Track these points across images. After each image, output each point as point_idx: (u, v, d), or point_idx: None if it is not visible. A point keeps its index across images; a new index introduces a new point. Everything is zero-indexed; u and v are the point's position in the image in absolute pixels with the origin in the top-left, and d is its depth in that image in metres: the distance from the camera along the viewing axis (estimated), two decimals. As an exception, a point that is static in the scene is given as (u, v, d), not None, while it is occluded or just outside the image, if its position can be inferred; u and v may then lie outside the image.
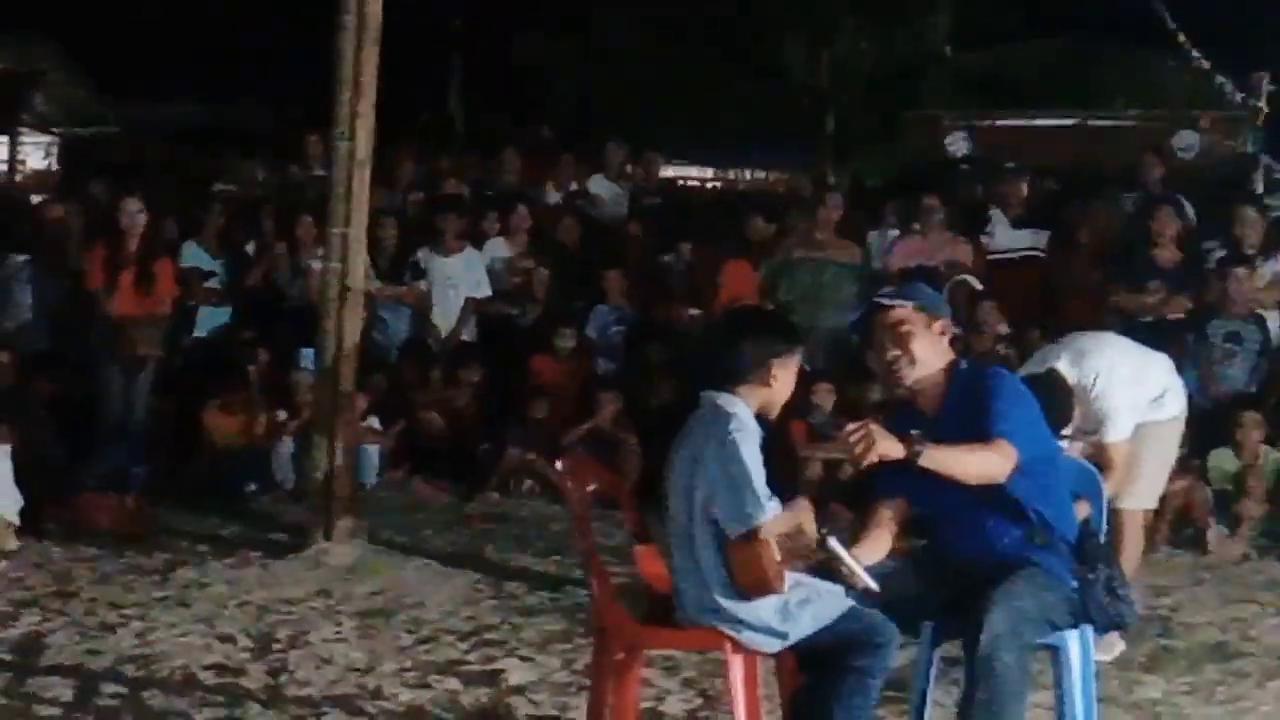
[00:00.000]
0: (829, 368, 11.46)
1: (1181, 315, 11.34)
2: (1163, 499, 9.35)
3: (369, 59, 9.12)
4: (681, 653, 6.84)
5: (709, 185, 23.76)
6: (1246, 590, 8.97)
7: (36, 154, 25.22)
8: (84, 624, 7.74)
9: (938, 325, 5.38)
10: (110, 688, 6.70)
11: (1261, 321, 11.24)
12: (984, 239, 12.63)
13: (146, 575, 8.81)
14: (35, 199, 16.16)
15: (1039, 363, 7.56)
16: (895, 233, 13.00)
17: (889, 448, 4.95)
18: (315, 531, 9.18)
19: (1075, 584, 5.24)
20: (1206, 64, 20.84)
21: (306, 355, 10.76)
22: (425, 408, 12.06)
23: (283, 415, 11.48)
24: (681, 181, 21.33)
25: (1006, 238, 12.62)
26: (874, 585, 5.03)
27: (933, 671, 5.46)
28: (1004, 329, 11.51)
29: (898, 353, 5.35)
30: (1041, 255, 12.55)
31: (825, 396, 11.12)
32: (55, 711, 6.43)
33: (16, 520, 9.36)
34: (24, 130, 24.82)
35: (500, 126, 20.55)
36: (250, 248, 13.30)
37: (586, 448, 11.04)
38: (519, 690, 6.78)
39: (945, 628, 5.34)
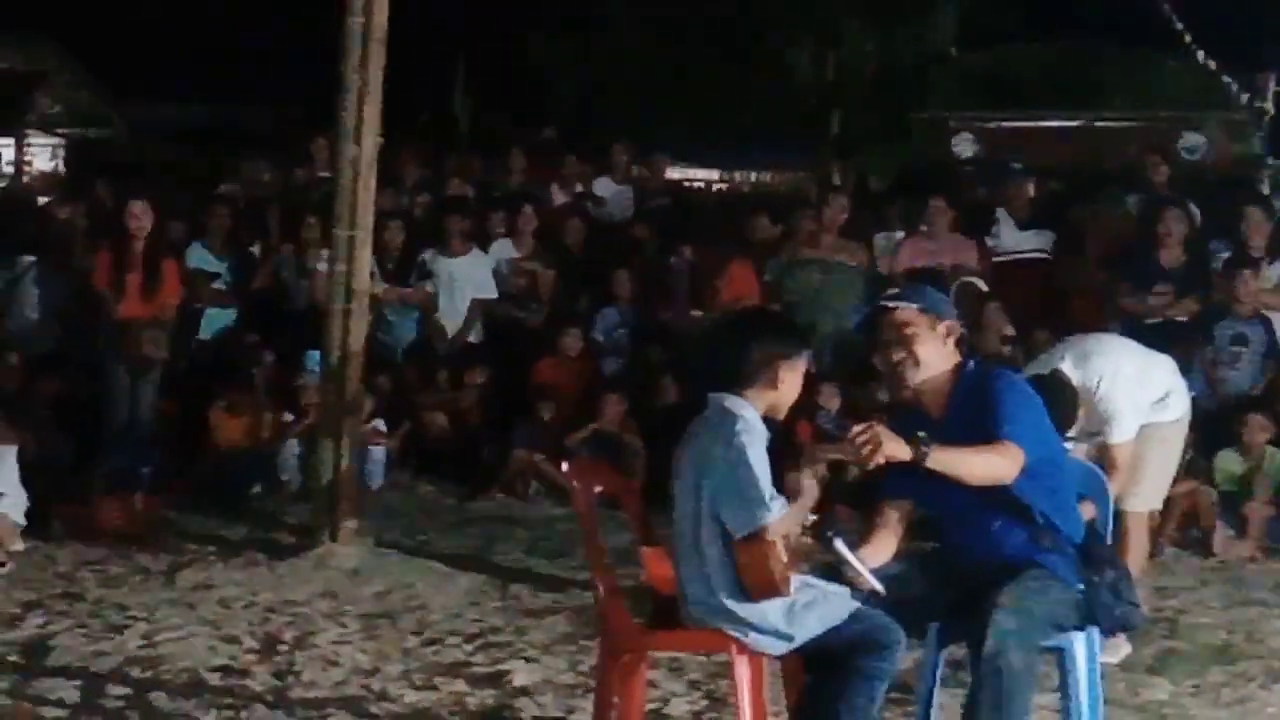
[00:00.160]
0: (835, 369, 11.45)
1: (1187, 317, 11.33)
2: (1168, 501, 9.38)
3: (374, 61, 9.12)
4: (687, 655, 6.84)
5: (714, 186, 23.78)
6: (1252, 592, 8.97)
7: (43, 155, 25.28)
8: (90, 625, 7.75)
9: (942, 327, 5.38)
10: (116, 689, 6.70)
11: (1268, 323, 11.23)
12: (989, 240, 12.63)
13: (152, 577, 8.82)
14: (41, 200, 16.17)
15: (1043, 364, 7.57)
16: (900, 234, 13.01)
17: (895, 449, 4.95)
18: (321, 533, 9.18)
19: (1081, 586, 5.23)
20: (1212, 65, 20.82)
21: (312, 357, 10.75)
22: (431, 409, 12.07)
23: (288, 417, 11.49)
24: (687, 183, 21.33)
25: (1012, 239, 12.62)
26: (880, 587, 5.04)
27: (938, 673, 5.46)
28: (1009, 330, 11.51)
29: (902, 354, 5.34)
30: (1047, 257, 12.56)
31: (831, 398, 11.12)
32: (61, 713, 6.43)
33: (23, 521, 9.37)
34: (30, 132, 24.85)
35: (504, 127, 20.58)
36: (256, 249, 13.30)
37: (592, 449, 11.05)
38: (525, 692, 6.78)
39: (951, 629, 5.34)
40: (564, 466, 6.03)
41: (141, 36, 25.82)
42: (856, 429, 5.00)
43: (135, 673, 6.96)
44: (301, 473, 10.93)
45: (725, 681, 6.04)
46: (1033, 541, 5.24)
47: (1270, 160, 17.59)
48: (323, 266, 10.68)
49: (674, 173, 18.70)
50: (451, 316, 12.79)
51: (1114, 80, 22.31)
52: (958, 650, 5.44)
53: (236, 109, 24.73)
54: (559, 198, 14.46)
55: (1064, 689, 5.37)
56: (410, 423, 12.03)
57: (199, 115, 24.66)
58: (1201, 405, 10.65)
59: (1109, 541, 5.59)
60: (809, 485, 4.99)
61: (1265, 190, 15.53)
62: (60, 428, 10.86)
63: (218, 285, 12.73)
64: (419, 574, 8.92)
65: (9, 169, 24.47)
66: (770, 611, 4.91)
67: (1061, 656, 5.35)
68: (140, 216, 11.01)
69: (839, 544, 5.05)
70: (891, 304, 5.45)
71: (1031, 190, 13.01)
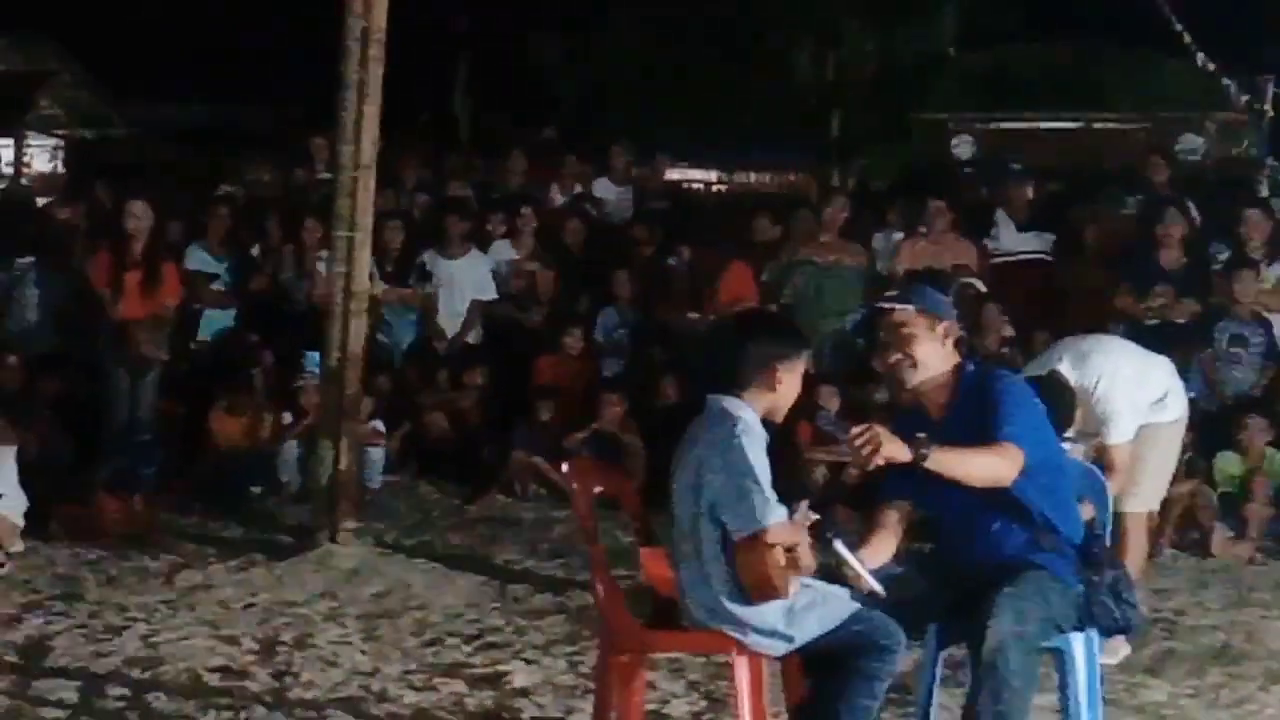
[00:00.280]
0: (834, 370, 11.46)
1: (1187, 318, 11.33)
2: (1168, 501, 9.38)
3: (374, 61, 9.12)
4: (687, 656, 6.84)
5: (714, 187, 23.77)
6: (1251, 593, 8.97)
7: (42, 156, 25.27)
8: (89, 626, 7.75)
9: (941, 328, 5.38)
10: (116, 690, 6.70)
11: (1267, 324, 11.23)
12: (988, 241, 12.64)
13: (152, 577, 8.82)
14: (41, 201, 16.17)
15: (1040, 365, 7.58)
16: (900, 235, 13.01)
17: (895, 451, 4.95)
18: (320, 534, 9.18)
19: (1080, 587, 5.24)
20: (1212, 66, 20.80)
21: (311, 358, 10.76)
22: (430, 410, 12.07)
23: (288, 418, 11.49)
24: (686, 184, 21.33)
25: (1011, 240, 12.63)
26: (879, 588, 5.04)
27: (938, 674, 5.47)
28: (1009, 332, 11.52)
29: (900, 356, 5.35)
30: (1046, 258, 12.56)
31: (830, 399, 11.11)
32: (60, 714, 6.44)
33: (22, 522, 9.36)
34: (29, 132, 24.85)
35: (504, 128, 20.59)
36: (255, 250, 13.30)
37: (592, 450, 11.04)
38: (524, 693, 6.78)
39: (950, 630, 5.34)
40: (563, 467, 6.02)
41: (142, 37, 25.80)
42: (856, 430, 5.00)
43: (134, 673, 6.96)
44: (301, 473, 10.92)
45: (725, 683, 6.05)
46: (1032, 542, 5.24)
47: (1270, 161, 17.57)
48: (322, 267, 10.68)
49: (674, 173, 18.70)
50: (451, 317, 12.79)
51: (1114, 82, 22.27)
52: (957, 651, 5.45)
53: (236, 109, 24.74)
54: (558, 199, 14.46)
55: (1063, 690, 5.37)
56: (410, 423, 12.03)
57: (199, 116, 24.67)
58: (1201, 406, 10.69)
59: (1108, 542, 5.59)
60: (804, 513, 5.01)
61: (1264, 192, 15.53)
62: (60, 428, 10.86)
63: (217, 286, 12.73)
64: (418, 574, 8.92)
65: (8, 170, 24.46)
66: (770, 612, 4.92)
67: (1060, 657, 5.35)
68: (139, 217, 11.01)
69: (838, 545, 5.05)
70: (889, 305, 5.46)
71: (1031, 191, 13.02)
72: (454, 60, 26.40)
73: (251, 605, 8.17)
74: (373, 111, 9.16)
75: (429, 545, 9.86)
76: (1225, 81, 20.21)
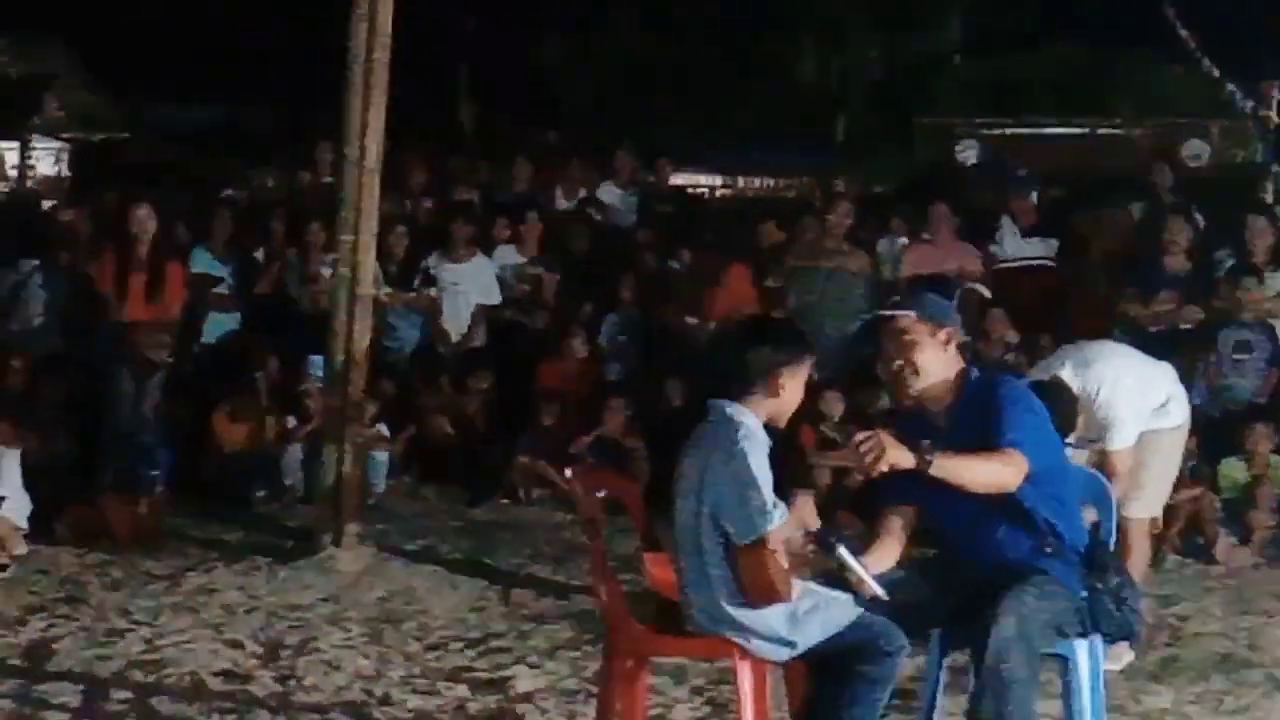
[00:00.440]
0: (838, 376, 11.44)
1: (1192, 324, 11.33)
2: (1172, 508, 9.40)
3: (379, 66, 9.13)
4: (690, 661, 6.82)
5: (718, 192, 23.79)
6: (1255, 600, 8.96)
7: (47, 159, 25.28)
8: (92, 629, 7.75)
9: (943, 334, 5.37)
10: (119, 693, 6.71)
11: (1271, 331, 11.22)
12: (993, 247, 12.63)
13: (155, 580, 8.82)
14: (46, 204, 16.18)
15: (1043, 371, 7.59)
16: (904, 240, 13.01)
17: (899, 457, 4.95)
18: (324, 537, 9.18)
19: (1084, 593, 5.23)
20: (1216, 73, 20.83)
21: (316, 362, 10.77)
22: (434, 414, 12.07)
23: (292, 421, 11.50)
24: (691, 188, 21.33)
25: (1016, 246, 12.62)
26: (883, 593, 5.04)
27: (941, 679, 5.46)
28: (1013, 337, 11.52)
29: (902, 363, 5.35)
30: (1051, 264, 12.55)
31: (834, 404, 11.11)
32: (63, 717, 6.45)
33: (26, 525, 9.36)
34: (35, 136, 24.87)
35: (509, 132, 20.60)
36: (260, 254, 13.30)
37: (596, 454, 11.05)
38: (527, 697, 6.78)
39: (954, 636, 5.34)
40: (567, 472, 6.02)
41: (147, 40, 25.83)
42: (860, 436, 5.00)
43: (137, 676, 6.96)
44: (305, 477, 10.93)
45: (728, 688, 6.04)
46: (1036, 548, 5.24)
47: (1274, 167, 17.58)
48: (327, 271, 10.68)
49: (678, 178, 18.71)
50: (455, 322, 12.80)
51: (1118, 88, 22.34)
52: (960, 656, 5.44)
53: (241, 113, 24.75)
54: (563, 203, 14.46)
55: (1066, 696, 5.36)
56: (414, 427, 12.03)
57: (204, 119, 24.67)
58: (1205, 412, 10.68)
59: (1112, 548, 5.59)
60: (805, 504, 5.01)
61: (1269, 197, 15.53)
62: (64, 431, 10.86)
63: (221, 289, 12.73)
64: (422, 579, 8.92)
65: (13, 173, 24.48)
66: (773, 618, 4.91)
67: (1064, 663, 5.34)
68: (144, 220, 11.01)
69: (842, 550, 5.05)
70: (891, 313, 5.46)
71: (1035, 197, 13.00)
72: (458, 64, 26.40)
73: (255, 609, 8.18)
74: (378, 115, 9.17)
75: (432, 549, 9.86)
76: (1230, 88, 20.24)
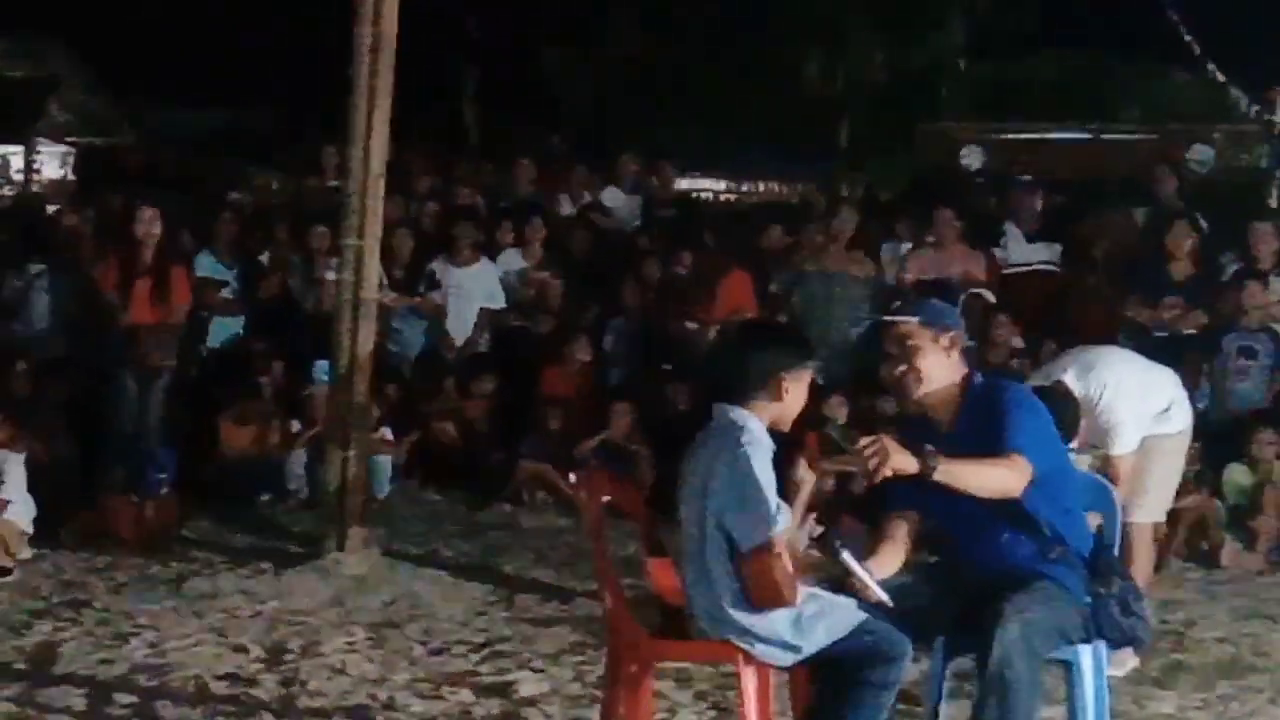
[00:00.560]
0: (842, 380, 11.44)
1: (1196, 329, 11.32)
2: (1177, 513, 9.40)
3: (384, 71, 9.12)
4: (694, 665, 6.83)
5: (722, 196, 23.77)
6: (1260, 606, 8.95)
7: (52, 163, 25.27)
8: (97, 633, 7.76)
9: (945, 339, 5.37)
10: (123, 697, 6.71)
11: (1276, 336, 11.23)
12: (997, 252, 12.63)
13: (159, 584, 8.83)
14: (51, 208, 16.19)
15: (1045, 376, 7.60)
16: (908, 245, 13.00)
17: (903, 462, 4.95)
18: (328, 542, 9.17)
19: (1089, 598, 5.23)
20: (1221, 77, 20.80)
21: (320, 366, 10.77)
22: (439, 418, 12.08)
23: (296, 425, 11.51)
24: (695, 193, 21.32)
25: (1020, 251, 12.62)
26: (886, 598, 5.04)
27: (945, 685, 5.46)
28: (1017, 342, 11.52)
29: (904, 368, 5.35)
30: (1055, 269, 12.55)
31: (839, 409, 11.10)
32: (68, 721, 6.46)
33: (30, 528, 9.38)
34: (40, 139, 24.88)
35: (514, 135, 20.58)
36: (264, 257, 13.31)
37: (600, 459, 11.04)
38: (531, 702, 6.78)
39: (958, 641, 5.33)
40: (571, 477, 6.02)
41: (152, 44, 25.82)
42: (864, 441, 5.01)
43: (142, 681, 6.97)
44: (309, 481, 10.94)
45: (732, 692, 6.03)
46: (1040, 553, 5.24)
47: (1279, 173, 17.54)
48: (331, 275, 10.68)
49: (682, 183, 18.71)
50: (459, 326, 12.80)
51: (1123, 92, 22.32)
52: (964, 662, 5.44)
53: (246, 117, 24.74)
54: (567, 207, 14.47)
55: (1070, 701, 5.36)
56: (418, 432, 12.03)
57: (209, 123, 24.65)
58: (1210, 418, 10.69)
59: (1116, 554, 5.59)
60: (806, 477, 5.01)
61: (1274, 203, 15.51)
62: (68, 435, 10.86)
63: (225, 293, 12.74)
64: (426, 583, 8.92)
65: (18, 177, 24.49)
66: (777, 622, 4.91)
67: (1068, 669, 5.34)
68: (149, 224, 11.02)
69: (846, 555, 5.05)
70: (893, 318, 5.46)
71: (1040, 202, 13.00)
72: (464, 68, 26.40)
73: (259, 613, 8.18)
74: (382, 120, 9.17)
75: (436, 554, 9.87)
76: (1234, 92, 20.20)
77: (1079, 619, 5.22)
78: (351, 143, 9.22)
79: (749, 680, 4.95)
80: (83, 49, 24.98)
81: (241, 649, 7.48)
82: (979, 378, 5.44)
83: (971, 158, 17.77)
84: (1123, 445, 7.46)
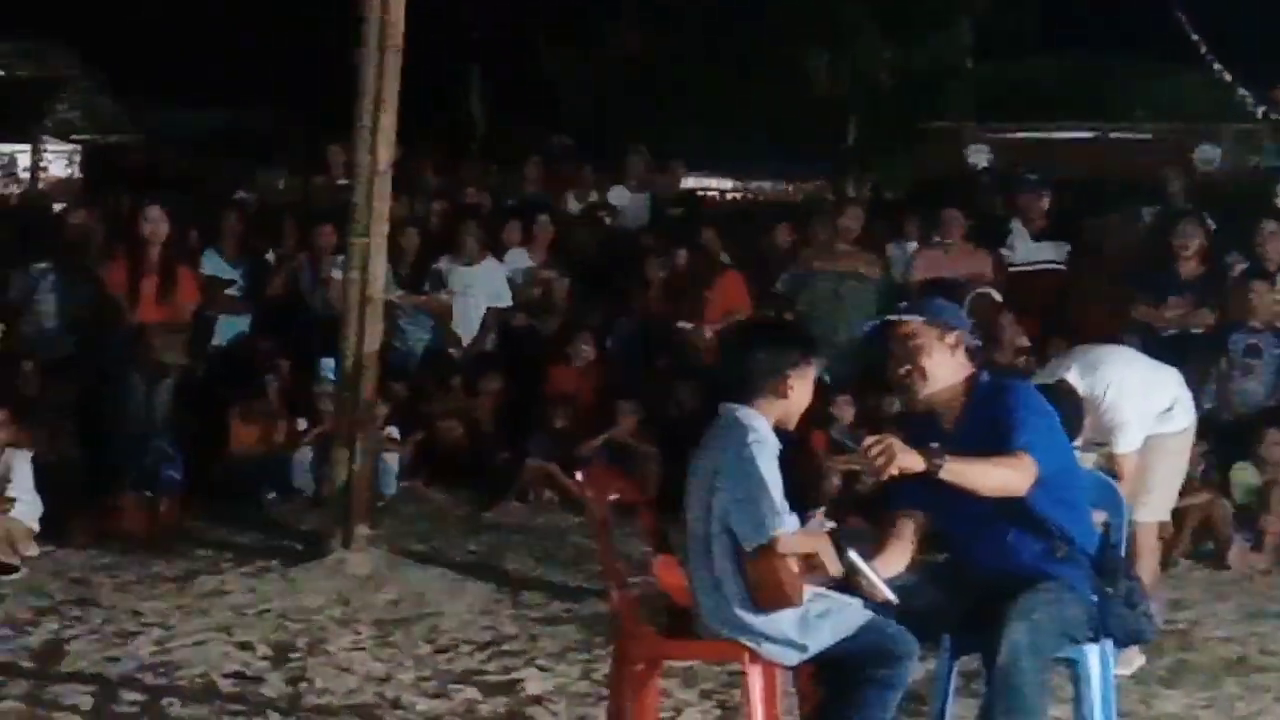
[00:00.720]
0: (849, 379, 11.44)
1: (1203, 329, 11.31)
2: (1183, 512, 9.39)
3: (390, 69, 9.13)
4: (700, 664, 6.83)
5: (729, 195, 23.79)
6: (1267, 605, 8.94)
7: (59, 162, 25.32)
8: (103, 631, 7.76)
9: (951, 338, 5.37)
10: (130, 695, 6.72)
11: (1283, 335, 11.21)
12: (1004, 251, 12.61)
13: (166, 583, 8.83)
14: (57, 207, 16.21)
15: (1049, 374, 7.59)
16: (915, 244, 13.00)
17: (909, 461, 4.95)
18: (334, 540, 9.18)
19: (1095, 597, 5.23)
20: (1228, 77, 20.82)
21: (326, 364, 10.77)
22: (445, 417, 12.07)
23: (302, 424, 11.51)
24: (702, 191, 21.34)
25: (1026, 250, 12.60)
26: (893, 597, 5.04)
27: (952, 684, 5.46)
28: (1024, 341, 11.51)
29: (910, 367, 5.35)
30: (1062, 268, 12.53)
31: (845, 408, 11.11)
32: (74, 719, 6.45)
33: (37, 526, 9.38)
34: (46, 138, 24.91)
35: (520, 134, 20.59)
36: (270, 256, 13.31)
37: (606, 458, 11.04)
38: (537, 700, 6.79)
39: (964, 640, 5.34)
40: (578, 475, 6.03)
41: (158, 43, 25.87)
42: (870, 440, 5.01)
43: (148, 679, 6.97)
44: (315, 480, 10.94)
45: (738, 691, 6.04)
46: (1047, 552, 5.24)
47: (1286, 172, 17.55)
48: (337, 274, 10.68)
49: (689, 181, 18.72)
50: (466, 325, 12.80)
51: (1130, 92, 22.32)
52: (971, 661, 5.44)
53: (253, 115, 24.78)
54: (574, 206, 14.47)
55: (1077, 700, 5.36)
56: (424, 430, 12.03)
57: (215, 121, 24.70)
58: (1216, 417, 10.67)
59: (1122, 553, 5.59)
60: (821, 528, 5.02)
61: (1280, 202, 15.50)
62: (75, 434, 10.87)
63: (232, 292, 12.73)
64: (432, 581, 8.92)
65: (25, 176, 24.53)
66: (783, 621, 4.92)
67: (1075, 668, 5.34)
68: (156, 223, 11.01)
69: (853, 554, 5.05)
70: (896, 317, 5.46)
71: (1046, 201, 12.98)
72: (470, 67, 26.41)
73: (265, 611, 8.18)
74: (389, 119, 9.17)
75: (443, 552, 9.87)
76: (1242, 92, 20.22)
77: (1086, 618, 5.22)
78: (358, 142, 9.23)
79: (755, 679, 4.96)
80: (88, 49, 25.03)
81: (248, 647, 7.48)
82: (985, 377, 5.44)
83: (978, 157, 17.81)
84: (1126, 444, 7.46)
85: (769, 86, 23.27)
